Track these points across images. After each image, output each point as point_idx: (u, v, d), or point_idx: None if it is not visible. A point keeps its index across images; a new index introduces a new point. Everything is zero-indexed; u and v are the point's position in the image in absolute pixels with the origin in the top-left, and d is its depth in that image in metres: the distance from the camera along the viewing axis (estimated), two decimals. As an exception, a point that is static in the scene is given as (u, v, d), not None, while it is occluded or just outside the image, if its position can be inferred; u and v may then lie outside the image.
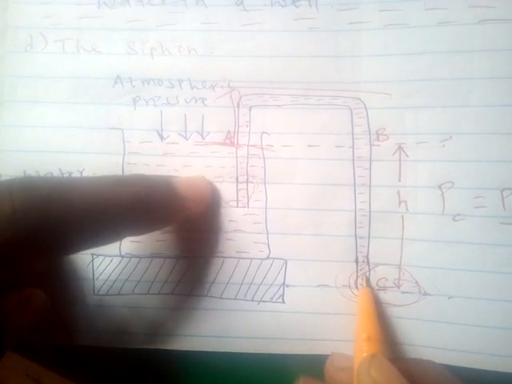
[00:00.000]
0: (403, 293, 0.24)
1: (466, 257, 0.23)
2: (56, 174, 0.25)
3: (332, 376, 0.22)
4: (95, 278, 0.25)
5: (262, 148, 0.25)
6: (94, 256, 0.25)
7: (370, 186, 0.24)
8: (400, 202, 0.24)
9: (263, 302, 0.25)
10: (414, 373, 0.21)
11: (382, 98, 0.24)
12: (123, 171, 0.25)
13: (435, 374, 0.22)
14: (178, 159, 0.25)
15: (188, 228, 0.25)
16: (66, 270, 0.25)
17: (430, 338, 0.23)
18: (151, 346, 0.25)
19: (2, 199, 0.17)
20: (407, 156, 0.24)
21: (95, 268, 0.25)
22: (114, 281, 0.25)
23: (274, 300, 0.25)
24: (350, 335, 0.23)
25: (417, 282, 0.23)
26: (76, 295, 0.25)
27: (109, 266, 0.25)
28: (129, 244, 0.25)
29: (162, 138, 0.25)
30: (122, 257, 0.25)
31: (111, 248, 0.25)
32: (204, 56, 0.25)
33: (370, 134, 0.24)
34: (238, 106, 0.25)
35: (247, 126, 0.25)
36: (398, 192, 0.24)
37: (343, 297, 0.24)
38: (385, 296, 0.24)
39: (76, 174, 0.25)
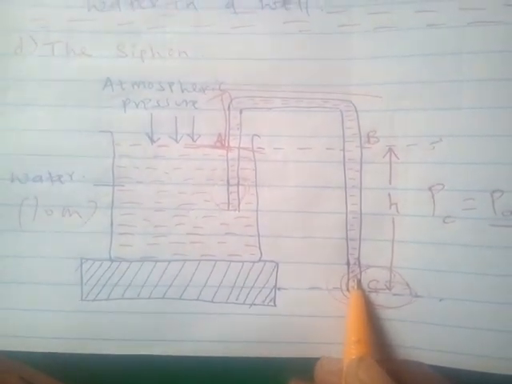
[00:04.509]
0: (394, 295, 0.24)
1: (456, 259, 0.23)
2: (45, 177, 0.25)
3: (322, 379, 0.22)
4: (84, 282, 0.25)
5: (252, 151, 0.25)
6: (83, 260, 0.25)
7: (360, 188, 0.24)
8: (391, 205, 0.24)
9: (255, 305, 0.24)
10: (403, 374, 0.21)
11: (372, 100, 0.24)
12: (113, 174, 0.25)
13: (424, 376, 0.22)
14: (168, 162, 0.25)
15: (179, 231, 0.25)
16: (53, 275, 0.25)
17: (420, 339, 0.23)
18: (142, 351, 0.25)
19: None
20: (398, 158, 0.24)
21: (84, 273, 0.25)
22: (103, 286, 0.25)
23: (265, 303, 0.24)
24: (342, 338, 0.23)
25: (408, 284, 0.23)
26: (63, 301, 0.25)
27: (98, 270, 0.25)
28: (119, 247, 0.25)
29: (152, 140, 0.25)
30: (112, 261, 0.25)
31: (101, 252, 0.25)
32: (194, 59, 0.25)
33: (360, 136, 0.24)
34: (229, 109, 0.25)
35: (238, 128, 0.25)
36: (389, 194, 0.24)
37: (334, 299, 0.24)
38: (376, 298, 0.24)
39: (65, 177, 0.25)
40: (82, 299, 0.25)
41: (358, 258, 0.24)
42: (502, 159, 0.23)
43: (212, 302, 0.25)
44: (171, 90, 0.25)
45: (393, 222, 0.24)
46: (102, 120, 0.25)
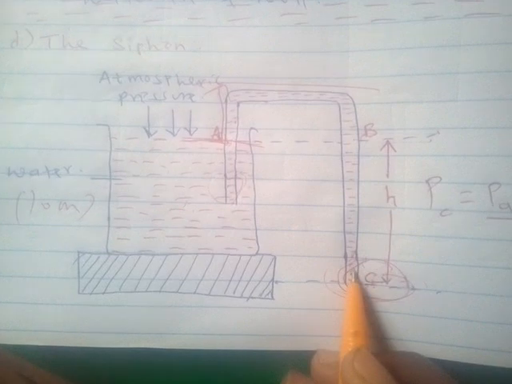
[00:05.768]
0: (391, 287, 0.24)
1: (453, 251, 0.23)
2: (42, 170, 0.25)
3: (318, 372, 0.22)
4: (81, 276, 0.25)
5: (250, 144, 0.25)
6: (80, 254, 0.25)
7: (358, 181, 0.24)
8: (388, 198, 0.24)
9: (252, 298, 0.24)
10: (400, 366, 0.21)
11: (369, 93, 0.24)
12: (110, 168, 0.25)
13: (420, 367, 0.22)
14: (165, 155, 0.25)
15: (176, 225, 0.25)
16: (50, 268, 0.25)
17: (417, 332, 0.23)
18: (139, 345, 0.25)
19: None
20: (395, 151, 0.24)
21: (81, 266, 0.25)
22: (101, 279, 0.25)
23: (263, 296, 0.24)
24: (339, 330, 0.23)
25: (405, 277, 0.23)
26: (61, 295, 0.25)
27: (95, 263, 0.25)
28: (116, 241, 0.25)
29: (149, 134, 0.25)
30: (109, 254, 0.25)
31: (98, 245, 0.25)
32: (191, 52, 0.25)
33: (357, 129, 0.24)
34: (226, 102, 0.25)
35: (235, 121, 0.25)
36: (386, 187, 0.24)
37: (332, 292, 0.24)
38: (373, 291, 0.24)
39: (62, 171, 0.25)
40: (79, 293, 0.25)
41: (356, 251, 0.24)
42: (499, 151, 0.23)
43: (209, 295, 0.25)
44: (168, 84, 0.25)
45: (390, 214, 0.24)
46: (99, 113, 0.25)
